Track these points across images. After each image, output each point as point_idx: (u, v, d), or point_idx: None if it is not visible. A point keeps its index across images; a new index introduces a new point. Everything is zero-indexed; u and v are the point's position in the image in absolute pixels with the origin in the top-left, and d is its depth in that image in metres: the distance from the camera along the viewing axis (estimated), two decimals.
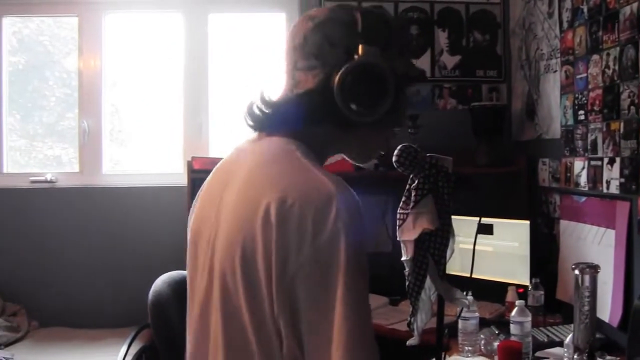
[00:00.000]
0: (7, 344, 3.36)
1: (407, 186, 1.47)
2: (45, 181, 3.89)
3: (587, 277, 1.80)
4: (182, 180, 3.56)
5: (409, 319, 1.50)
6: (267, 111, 1.30)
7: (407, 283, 1.47)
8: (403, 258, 1.46)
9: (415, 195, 1.43)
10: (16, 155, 4.10)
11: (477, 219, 3.30)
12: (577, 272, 1.79)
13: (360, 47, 1.24)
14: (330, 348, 1.07)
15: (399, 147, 1.47)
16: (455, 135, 3.70)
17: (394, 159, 1.46)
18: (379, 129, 1.33)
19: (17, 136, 4.13)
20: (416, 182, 1.44)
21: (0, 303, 3.64)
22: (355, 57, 1.23)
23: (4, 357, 3.11)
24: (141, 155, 4.16)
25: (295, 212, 1.10)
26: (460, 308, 1.53)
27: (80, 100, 3.95)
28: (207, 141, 3.94)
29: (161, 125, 4.13)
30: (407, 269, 1.46)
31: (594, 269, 1.79)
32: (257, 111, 1.31)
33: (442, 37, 3.83)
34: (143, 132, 4.22)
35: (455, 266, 3.39)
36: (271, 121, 1.30)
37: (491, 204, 3.62)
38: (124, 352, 2.81)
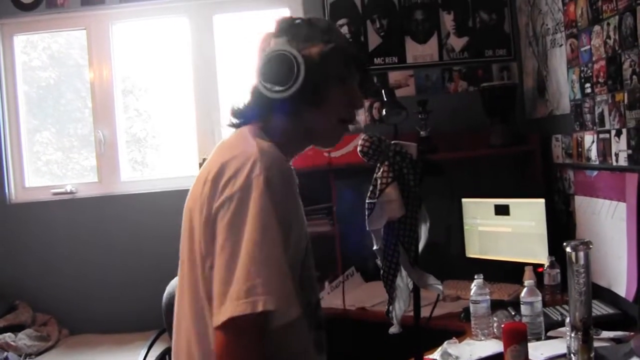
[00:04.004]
0: (38, 354, 3.45)
1: (374, 175, 1.45)
2: (66, 192, 3.97)
3: (580, 254, 1.76)
4: None
5: (387, 307, 1.49)
6: (240, 107, 1.60)
7: (381, 272, 1.47)
8: (374, 248, 1.45)
9: (380, 184, 1.42)
10: (54, 167, 4.23)
11: (494, 200, 3.31)
12: (569, 249, 1.76)
13: (272, 41, 1.52)
14: (233, 263, 1.31)
15: (362, 137, 1.46)
16: (468, 117, 3.68)
17: (358, 148, 1.46)
18: (322, 111, 1.53)
19: (53, 149, 4.25)
20: (381, 170, 1.43)
21: (30, 314, 3.74)
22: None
23: None
24: (169, 160, 4.27)
25: (225, 170, 1.38)
26: (437, 295, 1.50)
27: (94, 111, 4.02)
28: (220, 142, 3.96)
29: (180, 128, 4.20)
30: (378, 259, 1.45)
31: (586, 245, 1.75)
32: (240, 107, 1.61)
33: (447, 20, 3.78)
34: (167, 137, 4.32)
35: (474, 249, 3.41)
36: (241, 115, 1.59)
37: (507, 184, 3.60)
38: (144, 355, 2.85)
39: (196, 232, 1.43)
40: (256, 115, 1.56)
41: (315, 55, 1.49)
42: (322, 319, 1.58)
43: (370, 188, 1.46)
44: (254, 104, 1.56)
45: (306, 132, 1.58)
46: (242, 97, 1.60)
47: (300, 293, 1.41)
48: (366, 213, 1.45)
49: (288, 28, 1.54)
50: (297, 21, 1.57)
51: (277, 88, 1.47)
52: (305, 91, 1.47)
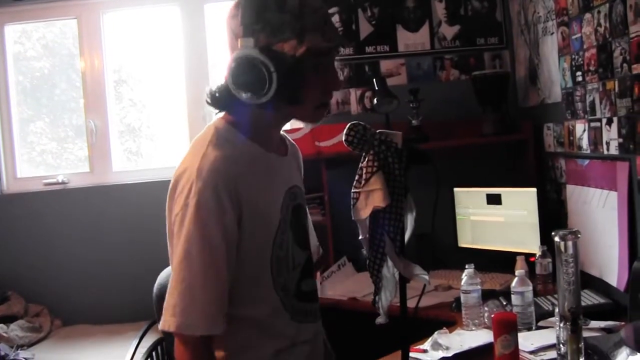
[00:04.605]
0: (30, 345, 3.44)
1: (360, 164, 1.44)
2: (58, 183, 3.95)
3: (569, 244, 1.75)
4: None
5: (373, 297, 1.49)
6: (215, 94, 1.56)
7: (367, 262, 1.46)
8: (359, 237, 1.45)
9: (365, 173, 1.41)
10: (48, 158, 4.22)
11: (486, 189, 3.31)
12: (557, 239, 1.75)
13: (239, 40, 1.45)
14: (172, 275, 1.47)
15: (347, 126, 1.45)
16: (460, 106, 3.67)
17: (343, 138, 1.45)
18: (299, 105, 1.51)
19: (47, 139, 4.24)
20: (366, 159, 1.42)
21: (22, 304, 3.73)
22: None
23: (24, 358, 3.19)
24: (164, 150, 4.27)
25: (177, 186, 1.48)
26: (423, 285, 1.49)
27: (86, 101, 4.01)
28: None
29: (173, 118, 4.19)
30: (364, 249, 1.45)
31: (574, 234, 1.74)
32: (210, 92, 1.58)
33: (439, 8, 3.76)
34: (161, 127, 4.32)
35: (466, 238, 3.40)
36: (215, 103, 1.56)
37: (499, 173, 3.58)
38: (135, 345, 2.85)
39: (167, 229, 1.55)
40: (229, 107, 1.55)
41: (288, 55, 1.44)
42: (306, 291, 1.66)
43: (356, 177, 1.45)
44: (228, 96, 1.51)
45: (285, 118, 1.62)
46: (219, 81, 1.56)
47: (274, 276, 1.56)
48: (351, 202, 1.45)
49: (255, 18, 1.45)
50: (265, 1, 1.46)
51: (248, 95, 1.45)
52: (281, 93, 1.44)
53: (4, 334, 3.40)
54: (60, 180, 3.96)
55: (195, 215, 1.42)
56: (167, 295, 1.45)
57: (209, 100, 1.56)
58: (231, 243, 1.46)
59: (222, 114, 1.60)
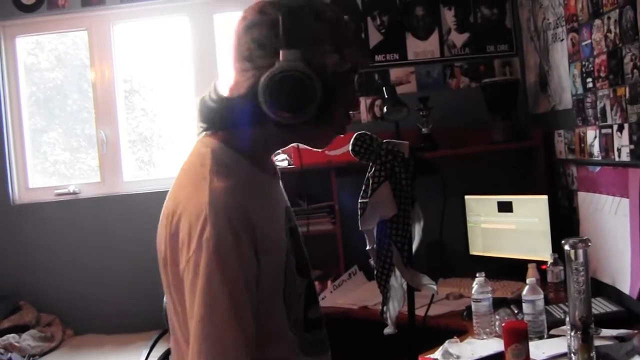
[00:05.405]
0: (42, 354, 3.46)
1: (367, 174, 1.44)
2: (69, 193, 3.98)
3: (579, 252, 1.74)
4: None
5: (381, 307, 1.48)
6: (207, 110, 1.38)
7: (375, 272, 1.45)
8: (367, 248, 1.44)
9: (372, 183, 1.40)
10: (61, 168, 4.26)
11: (497, 196, 3.30)
12: (567, 247, 1.74)
13: (280, 52, 1.27)
14: (192, 321, 1.25)
15: (354, 136, 1.45)
16: (470, 113, 3.66)
17: (349, 147, 1.44)
18: (325, 127, 1.38)
19: (60, 149, 4.28)
20: (373, 169, 1.41)
21: (34, 314, 3.75)
22: (276, 63, 1.27)
23: None
24: (176, 159, 4.25)
25: (179, 226, 1.28)
26: (431, 295, 1.48)
27: (96, 111, 4.04)
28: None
29: (184, 127, 4.22)
30: (372, 259, 1.44)
31: (584, 242, 1.73)
32: (202, 109, 1.40)
33: (448, 16, 3.75)
34: (172, 136, 4.34)
35: (478, 246, 3.39)
36: (209, 120, 1.38)
37: (510, 180, 3.57)
38: (146, 355, 2.85)
39: (170, 280, 1.36)
40: (228, 126, 1.37)
41: (330, 71, 1.31)
42: (313, 319, 1.50)
43: (363, 187, 1.45)
44: (229, 113, 1.35)
45: (293, 141, 1.46)
46: (212, 95, 1.37)
47: (287, 310, 1.39)
48: (358, 213, 1.44)
49: (297, 24, 1.29)
50: (304, 10, 1.31)
51: (286, 114, 1.28)
52: (316, 112, 1.30)
53: (16, 344, 3.42)
54: (71, 191, 3.99)
55: (215, 258, 1.23)
56: (190, 351, 1.24)
57: (204, 120, 1.39)
58: (252, 284, 1.29)
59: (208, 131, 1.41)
